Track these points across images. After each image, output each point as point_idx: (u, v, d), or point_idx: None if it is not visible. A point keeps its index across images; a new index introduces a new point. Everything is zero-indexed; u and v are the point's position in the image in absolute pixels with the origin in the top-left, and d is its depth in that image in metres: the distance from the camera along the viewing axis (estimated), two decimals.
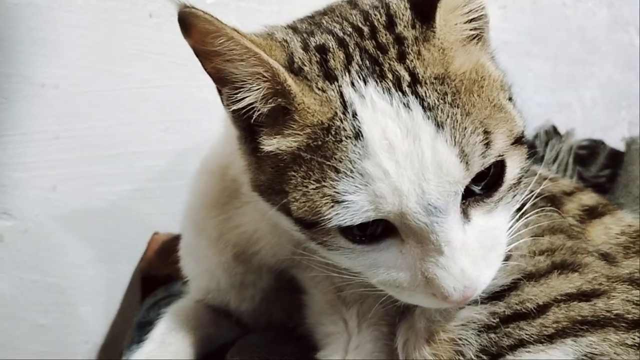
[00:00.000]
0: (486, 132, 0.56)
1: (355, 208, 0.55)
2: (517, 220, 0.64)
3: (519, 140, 0.60)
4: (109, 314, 1.26)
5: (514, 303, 0.63)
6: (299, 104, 0.58)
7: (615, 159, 1.31)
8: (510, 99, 0.63)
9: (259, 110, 0.60)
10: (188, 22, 0.57)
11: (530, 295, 0.63)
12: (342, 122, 0.56)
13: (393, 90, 0.56)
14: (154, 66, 1.12)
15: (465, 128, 0.55)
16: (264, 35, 0.61)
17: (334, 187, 0.55)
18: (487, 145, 0.55)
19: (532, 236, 0.68)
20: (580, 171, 1.30)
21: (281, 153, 0.59)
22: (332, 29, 0.62)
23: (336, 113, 0.56)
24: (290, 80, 0.57)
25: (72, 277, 1.23)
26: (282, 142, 0.59)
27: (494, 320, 0.63)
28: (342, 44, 0.60)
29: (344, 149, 0.55)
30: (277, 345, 0.82)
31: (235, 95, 0.60)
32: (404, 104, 0.55)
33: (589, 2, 1.35)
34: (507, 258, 0.65)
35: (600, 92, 1.41)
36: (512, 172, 0.59)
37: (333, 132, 0.56)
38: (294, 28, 0.64)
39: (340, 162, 0.55)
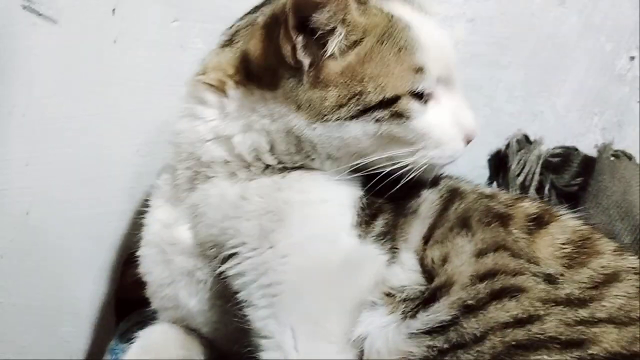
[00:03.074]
0: None
1: (429, 70, 0.76)
2: (463, 237, 0.74)
3: None
4: (90, 334, 1.23)
5: (452, 337, 0.66)
6: (369, 24, 0.76)
7: (589, 166, 1.27)
8: None
9: (340, 42, 0.75)
10: None
11: (468, 328, 0.65)
12: (393, 20, 0.77)
13: (407, 5, 0.81)
14: (121, 90, 1.09)
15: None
16: None
17: (413, 59, 0.75)
18: None
19: (476, 254, 0.72)
20: (553, 179, 1.27)
21: (353, 62, 0.74)
22: None
23: (387, 16, 0.77)
24: (358, 15, 0.75)
25: (51, 299, 1.21)
26: (353, 53, 0.75)
27: (433, 353, 0.66)
28: None
29: (406, 34, 0.76)
30: None
31: (321, 41, 0.74)
32: (412, 8, 0.81)
33: (558, 10, 1.31)
34: (449, 287, 0.70)
35: (572, 99, 1.37)
36: None
37: (393, 27, 0.76)
38: None
39: (409, 42, 0.76)
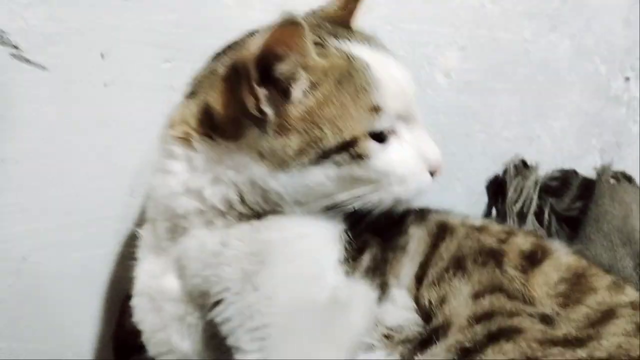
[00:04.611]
0: None
1: (386, 111, 0.75)
2: (459, 280, 0.74)
3: None
4: None
5: None
6: (328, 67, 0.75)
7: (589, 188, 1.24)
8: None
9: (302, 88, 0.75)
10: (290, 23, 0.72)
11: None
12: (354, 61, 0.76)
13: (365, 43, 0.80)
14: (113, 133, 1.07)
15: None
16: None
17: (369, 101, 0.75)
18: None
19: (473, 296, 0.72)
20: (553, 203, 1.24)
21: (313, 106, 0.74)
22: None
23: (348, 58, 0.76)
24: (317, 59, 0.75)
25: (52, 343, 1.18)
26: (312, 97, 0.74)
27: None
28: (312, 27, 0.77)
29: (365, 75, 0.75)
30: None
31: (285, 89, 0.75)
32: (373, 48, 0.81)
33: (550, 35, 1.29)
34: (447, 329, 0.69)
35: (569, 122, 1.35)
36: None
37: (354, 68, 0.76)
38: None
39: (367, 83, 0.75)
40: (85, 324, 1.18)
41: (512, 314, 0.69)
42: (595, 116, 1.35)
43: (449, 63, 1.23)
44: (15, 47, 1.00)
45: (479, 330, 0.67)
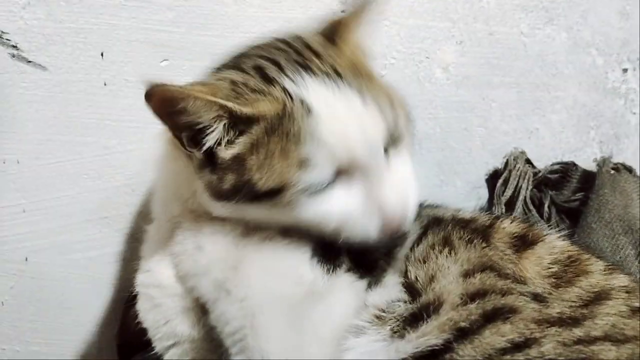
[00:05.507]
0: (391, 101, 0.76)
1: (317, 166, 0.70)
2: (447, 258, 0.74)
3: (408, 117, 0.80)
4: None
5: None
6: (255, 114, 0.71)
7: (589, 180, 1.24)
8: None
9: (222, 139, 0.72)
10: (152, 94, 0.69)
11: (466, 357, 0.63)
12: (292, 106, 0.70)
13: (326, 79, 0.73)
14: (113, 132, 1.07)
15: (378, 97, 0.74)
16: (205, 84, 0.74)
17: (298, 154, 0.69)
18: (393, 109, 0.75)
19: (463, 275, 0.71)
20: (553, 196, 1.24)
21: (241, 150, 0.72)
22: (256, 54, 0.79)
23: (285, 102, 0.71)
24: (244, 109, 0.71)
25: (54, 345, 1.18)
26: (241, 142, 0.72)
27: None
28: (271, 60, 0.76)
29: (300, 123, 0.70)
30: None
31: (197, 139, 0.73)
32: (335, 86, 0.72)
33: (547, 28, 1.29)
34: (439, 306, 0.68)
35: (567, 114, 1.35)
36: (403, 124, 0.78)
37: (288, 115, 0.70)
38: (219, 68, 0.80)
39: (299, 133, 0.69)
40: (88, 325, 1.18)
41: (504, 292, 0.68)
42: (593, 108, 1.35)
43: (447, 57, 1.23)
44: (15, 47, 1.00)
45: (474, 309, 0.66)
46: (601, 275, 0.71)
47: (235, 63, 0.79)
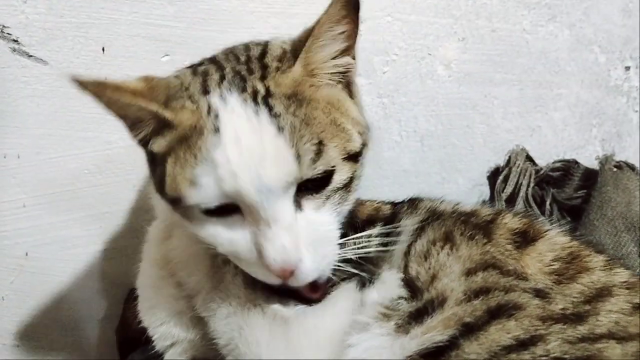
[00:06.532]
0: (320, 142, 0.68)
1: (205, 189, 0.66)
2: (448, 256, 0.72)
3: (351, 158, 0.71)
4: None
5: None
6: (172, 120, 0.69)
7: (591, 178, 1.23)
8: (360, 133, 0.74)
9: (151, 134, 0.71)
10: (81, 87, 0.70)
11: (472, 355, 0.61)
12: (206, 121, 0.67)
13: (249, 99, 0.68)
14: (114, 128, 1.05)
15: (303, 136, 0.67)
16: (149, 80, 0.73)
17: (192, 171, 0.66)
18: (319, 153, 0.67)
19: (466, 273, 0.70)
20: (554, 193, 1.23)
21: (162, 150, 0.70)
22: (218, 58, 0.77)
23: (201, 115, 0.68)
24: (166, 113, 0.69)
25: (54, 340, 1.18)
26: (162, 141, 0.70)
27: None
28: (219, 67, 0.74)
29: (204, 140, 0.66)
30: None
31: (134, 129, 0.73)
32: (254, 110, 0.67)
33: (550, 25, 1.28)
34: (443, 302, 0.67)
35: (569, 112, 1.34)
36: (339, 179, 0.70)
37: (198, 129, 0.67)
38: (193, 64, 0.79)
39: (199, 150, 0.66)
40: (88, 320, 1.18)
41: (507, 290, 0.67)
42: (596, 106, 1.35)
43: (449, 54, 1.22)
44: (16, 42, 1.00)
45: (478, 305, 0.66)
46: (602, 271, 0.71)
47: (200, 64, 0.78)
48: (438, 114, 1.25)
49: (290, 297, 0.74)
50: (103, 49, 1.04)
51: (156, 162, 0.72)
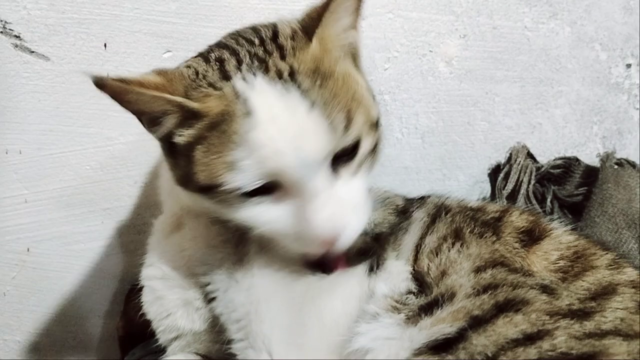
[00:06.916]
0: (349, 112, 0.69)
1: (246, 171, 0.66)
2: (458, 253, 0.73)
3: (374, 125, 0.74)
4: None
5: (462, 357, 0.62)
6: (201, 110, 0.68)
7: (591, 175, 1.23)
8: (373, 97, 0.77)
9: (175, 126, 0.71)
10: (101, 87, 0.68)
11: (479, 347, 0.61)
12: (235, 105, 0.67)
13: (277, 78, 0.68)
14: (116, 124, 1.07)
15: (334, 108, 0.67)
16: (164, 73, 0.72)
17: (230, 155, 0.66)
18: (349, 123, 0.68)
19: (475, 271, 0.71)
20: (555, 191, 1.23)
21: (190, 140, 0.69)
22: (228, 43, 0.76)
23: (230, 101, 0.67)
24: (191, 104, 0.68)
25: (55, 336, 1.18)
26: (190, 131, 0.69)
27: None
28: (234, 52, 0.73)
29: (238, 124, 0.66)
30: None
31: (155, 124, 0.72)
32: (284, 87, 0.67)
33: (551, 22, 1.28)
34: (452, 296, 0.68)
35: (570, 109, 1.34)
36: (367, 145, 0.72)
37: (229, 114, 0.67)
38: (201, 53, 0.79)
39: (235, 134, 0.66)
40: (90, 316, 1.18)
41: (515, 286, 0.68)
42: (597, 104, 1.35)
43: (450, 51, 1.22)
44: (18, 38, 1.00)
45: (486, 299, 0.66)
46: (607, 270, 0.71)
47: (209, 51, 0.77)
48: (439, 111, 1.25)
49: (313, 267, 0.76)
50: (105, 45, 1.04)
51: (179, 154, 0.72)
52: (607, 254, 0.75)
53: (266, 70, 0.69)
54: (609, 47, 1.33)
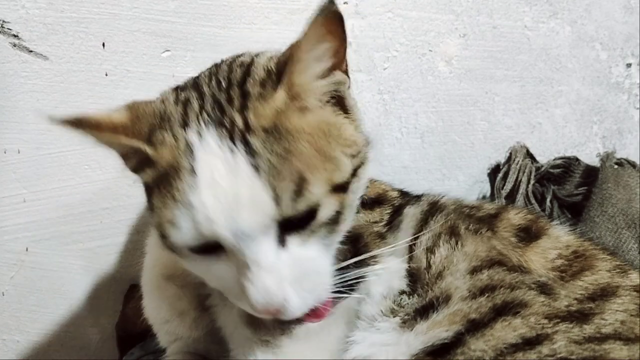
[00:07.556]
0: (301, 179, 0.62)
1: (185, 231, 0.63)
2: (454, 250, 0.71)
3: (339, 189, 0.65)
4: None
5: None
6: (152, 157, 0.66)
7: (591, 175, 1.23)
8: (353, 155, 0.68)
9: (137, 167, 0.70)
10: (60, 125, 0.71)
11: (477, 352, 0.61)
12: (183, 160, 0.63)
13: (225, 135, 0.63)
14: None
15: (281, 174, 0.61)
16: (135, 109, 0.70)
17: (171, 212, 0.63)
18: (300, 190, 0.62)
19: (471, 272, 0.70)
20: (555, 190, 1.23)
21: (149, 182, 0.68)
22: (200, 82, 0.71)
23: (179, 153, 0.64)
24: (148, 149, 0.66)
25: (53, 335, 1.18)
26: (147, 175, 0.67)
27: None
28: (200, 95, 0.68)
29: (181, 182, 0.63)
30: None
31: (124, 159, 0.72)
32: (230, 148, 0.63)
33: (551, 22, 1.28)
34: (447, 299, 0.67)
35: (570, 109, 1.34)
36: (324, 214, 0.64)
37: (176, 168, 0.63)
38: (179, 86, 0.74)
39: (177, 191, 0.63)
40: (88, 315, 1.17)
41: (512, 287, 0.67)
42: (597, 103, 1.34)
43: (450, 50, 1.22)
44: (16, 37, 1.00)
45: (484, 302, 0.65)
46: (608, 272, 0.70)
47: (184, 87, 0.73)
48: (439, 111, 1.25)
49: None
50: (103, 44, 1.04)
51: (147, 192, 0.70)
52: (611, 259, 0.74)
53: (220, 125, 0.64)
54: (609, 46, 1.32)
